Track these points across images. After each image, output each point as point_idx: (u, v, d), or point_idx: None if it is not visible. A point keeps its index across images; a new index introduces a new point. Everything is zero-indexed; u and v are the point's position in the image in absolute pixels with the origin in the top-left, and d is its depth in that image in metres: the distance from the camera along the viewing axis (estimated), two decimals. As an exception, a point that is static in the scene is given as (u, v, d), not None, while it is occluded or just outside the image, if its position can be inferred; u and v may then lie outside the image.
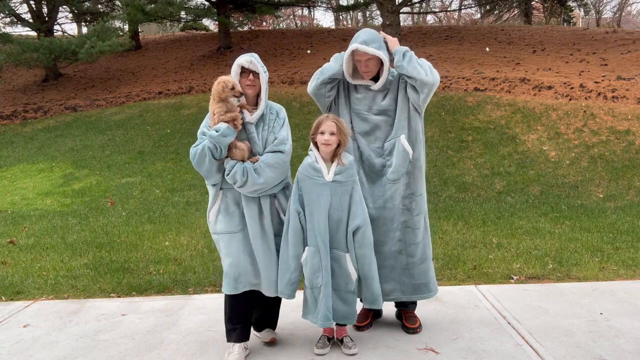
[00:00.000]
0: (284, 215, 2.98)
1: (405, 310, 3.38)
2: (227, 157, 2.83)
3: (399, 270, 3.19)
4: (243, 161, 2.83)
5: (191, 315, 3.68)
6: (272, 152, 2.88)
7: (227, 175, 2.80)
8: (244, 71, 2.90)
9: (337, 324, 3.09)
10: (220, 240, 2.98)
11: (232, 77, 2.89)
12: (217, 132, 2.75)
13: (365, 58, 3.04)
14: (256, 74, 2.89)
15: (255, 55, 2.92)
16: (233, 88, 2.83)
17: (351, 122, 3.20)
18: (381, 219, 3.15)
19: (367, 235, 2.96)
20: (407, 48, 3.11)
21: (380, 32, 3.19)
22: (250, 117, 2.91)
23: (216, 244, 3.04)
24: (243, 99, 2.93)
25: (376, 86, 3.11)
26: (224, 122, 2.81)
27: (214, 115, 2.83)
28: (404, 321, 3.34)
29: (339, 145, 2.91)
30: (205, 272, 4.62)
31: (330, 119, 2.91)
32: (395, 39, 3.19)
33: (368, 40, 3.02)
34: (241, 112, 2.91)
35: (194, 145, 2.86)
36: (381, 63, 3.08)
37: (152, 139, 10.91)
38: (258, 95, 2.97)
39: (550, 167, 8.19)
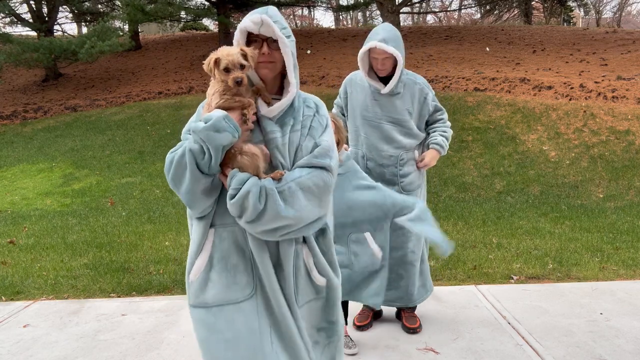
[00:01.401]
0: (321, 277, 1.80)
1: (405, 310, 3.39)
2: (229, 167, 1.66)
3: (406, 279, 3.19)
4: (257, 177, 1.65)
5: (191, 315, 3.68)
6: (310, 167, 1.69)
7: (233, 198, 1.60)
8: (254, 39, 1.70)
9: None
10: (217, 319, 1.67)
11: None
12: (205, 123, 1.58)
13: (382, 57, 2.92)
14: (274, 42, 1.69)
15: (272, 9, 1.69)
16: (227, 70, 1.64)
17: (362, 129, 3.18)
18: (392, 225, 3.15)
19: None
20: (440, 146, 3.18)
21: (419, 163, 3.21)
22: (268, 109, 1.72)
23: (202, 326, 1.70)
24: (259, 82, 1.75)
25: (386, 89, 3.04)
26: (222, 108, 1.64)
27: (212, 96, 1.70)
28: (404, 321, 3.35)
29: (337, 144, 2.90)
30: (205, 272, 4.62)
31: None
32: (432, 159, 3.20)
33: (387, 38, 2.89)
34: (256, 100, 1.73)
35: (172, 150, 1.69)
36: (396, 63, 2.96)
37: (152, 139, 10.91)
38: (283, 76, 1.78)
39: (550, 167, 8.19)
